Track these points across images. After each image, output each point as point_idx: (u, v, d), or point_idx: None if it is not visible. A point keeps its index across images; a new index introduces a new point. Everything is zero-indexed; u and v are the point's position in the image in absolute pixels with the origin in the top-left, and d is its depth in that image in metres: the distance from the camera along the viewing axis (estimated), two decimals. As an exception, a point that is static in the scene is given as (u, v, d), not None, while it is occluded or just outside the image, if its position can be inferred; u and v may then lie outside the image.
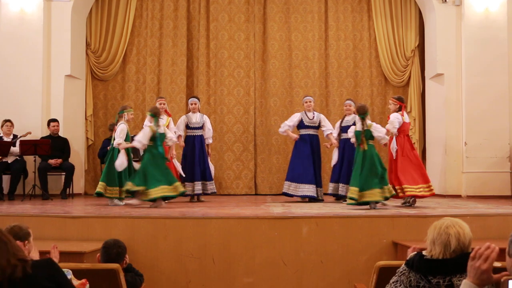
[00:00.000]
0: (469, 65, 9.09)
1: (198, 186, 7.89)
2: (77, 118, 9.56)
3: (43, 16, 9.02)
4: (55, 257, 3.33)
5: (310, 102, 8.07)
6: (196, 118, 8.11)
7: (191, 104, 8.18)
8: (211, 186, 8.05)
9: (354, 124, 7.47)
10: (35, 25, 9.01)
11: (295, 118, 8.02)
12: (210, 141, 8.28)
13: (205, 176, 8.00)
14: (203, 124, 8.11)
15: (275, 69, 10.06)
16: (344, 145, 7.89)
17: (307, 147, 7.86)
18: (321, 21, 10.20)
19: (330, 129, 8.07)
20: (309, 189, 7.68)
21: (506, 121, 8.99)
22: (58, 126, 8.83)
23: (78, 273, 3.12)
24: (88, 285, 2.98)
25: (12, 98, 8.87)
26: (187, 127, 8.12)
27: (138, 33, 10.14)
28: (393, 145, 7.04)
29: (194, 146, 8.00)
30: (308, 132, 7.96)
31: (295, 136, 7.96)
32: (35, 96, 8.97)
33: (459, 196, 8.98)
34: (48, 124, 8.81)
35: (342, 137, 7.95)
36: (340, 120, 8.21)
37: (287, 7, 10.17)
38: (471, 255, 2.14)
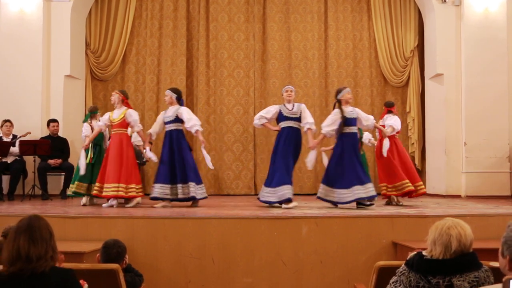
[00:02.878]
0: (468, 65, 9.09)
1: (180, 190, 6.72)
2: (77, 118, 9.53)
3: (43, 16, 9.02)
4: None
5: (291, 91, 6.93)
6: (170, 111, 6.94)
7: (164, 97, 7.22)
8: (194, 189, 6.70)
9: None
10: (35, 25, 9.00)
11: (272, 109, 7.01)
12: (196, 128, 6.83)
13: (185, 177, 6.72)
14: (176, 116, 6.86)
15: (275, 69, 10.06)
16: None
17: (288, 142, 6.81)
18: (320, 21, 10.20)
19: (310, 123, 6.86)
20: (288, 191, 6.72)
21: (505, 121, 8.99)
22: (58, 126, 8.83)
23: (77, 274, 3.10)
24: (86, 285, 2.97)
25: (11, 98, 8.87)
26: (164, 122, 7.00)
27: (138, 33, 10.14)
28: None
29: (168, 143, 6.83)
30: (289, 125, 6.82)
31: (275, 128, 6.95)
32: (35, 96, 8.97)
33: (458, 196, 8.99)
34: (48, 124, 8.80)
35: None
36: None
37: (286, 7, 10.17)
38: None
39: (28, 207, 6.77)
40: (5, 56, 8.92)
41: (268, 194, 6.79)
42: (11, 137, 8.51)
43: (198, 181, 6.83)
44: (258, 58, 10.10)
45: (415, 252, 2.83)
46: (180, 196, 6.73)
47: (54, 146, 8.39)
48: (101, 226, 5.39)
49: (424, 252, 2.67)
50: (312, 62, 10.10)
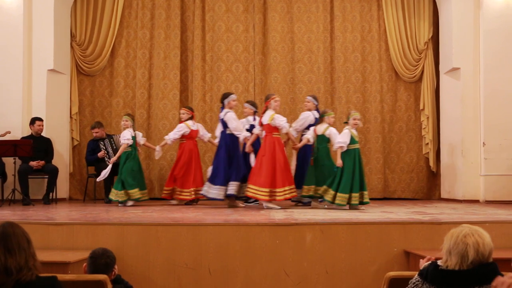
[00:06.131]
0: (488, 58, 9.09)
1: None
2: (61, 116, 9.55)
3: (23, 5, 9.01)
4: None
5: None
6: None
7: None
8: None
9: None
10: (14, 14, 9.00)
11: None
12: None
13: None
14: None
15: (277, 64, 10.06)
16: None
17: None
18: (326, 11, 10.20)
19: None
20: None
21: (528, 120, 8.99)
22: (43, 125, 8.81)
23: (62, 285, 3.12)
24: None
25: (-11, 95, 8.88)
26: None
27: (128, 24, 10.14)
28: None
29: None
30: None
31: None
32: (15, 92, 8.96)
33: (477, 201, 8.99)
34: (33, 123, 8.75)
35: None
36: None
37: (289, -4, 10.19)
38: (493, 284, 2.15)
39: (8, 213, 6.77)
40: (-18, 49, 8.93)
41: None
42: (-11, 137, 8.51)
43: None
44: (259, 51, 10.10)
45: (429, 262, 2.84)
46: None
47: (36, 147, 8.38)
48: (88, 233, 5.39)
49: (439, 262, 2.68)
50: (317, 56, 10.10)
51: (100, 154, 8.85)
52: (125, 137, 8.22)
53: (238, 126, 7.98)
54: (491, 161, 8.99)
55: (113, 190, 8.17)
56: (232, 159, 7.87)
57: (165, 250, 5.29)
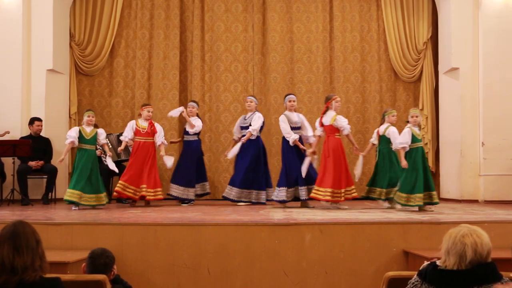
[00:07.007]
0: (487, 59, 9.09)
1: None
2: (60, 116, 9.55)
3: (22, 5, 9.00)
4: None
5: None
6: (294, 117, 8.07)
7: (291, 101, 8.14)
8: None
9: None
10: (13, 14, 9.00)
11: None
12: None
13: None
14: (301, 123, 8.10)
15: (276, 63, 10.06)
16: None
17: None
18: (325, 11, 10.21)
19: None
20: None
21: (527, 120, 9.00)
22: (42, 125, 8.81)
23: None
24: None
25: (-12, 95, 8.87)
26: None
27: (127, 24, 10.14)
28: None
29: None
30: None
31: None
32: (14, 92, 8.96)
33: (476, 201, 8.99)
34: (32, 123, 8.76)
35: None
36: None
37: (288, -4, 10.19)
38: None
39: (7, 213, 6.78)
40: (-19, 49, 8.92)
41: None
42: (-12, 137, 8.51)
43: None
44: (258, 51, 10.10)
45: (429, 262, 2.84)
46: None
47: (35, 147, 8.39)
48: (87, 233, 5.40)
49: (438, 262, 2.68)
50: (316, 56, 10.10)
51: (97, 153, 8.80)
52: (105, 136, 7.98)
53: (286, 128, 7.93)
54: (490, 161, 9.00)
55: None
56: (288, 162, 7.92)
57: (164, 250, 5.30)
